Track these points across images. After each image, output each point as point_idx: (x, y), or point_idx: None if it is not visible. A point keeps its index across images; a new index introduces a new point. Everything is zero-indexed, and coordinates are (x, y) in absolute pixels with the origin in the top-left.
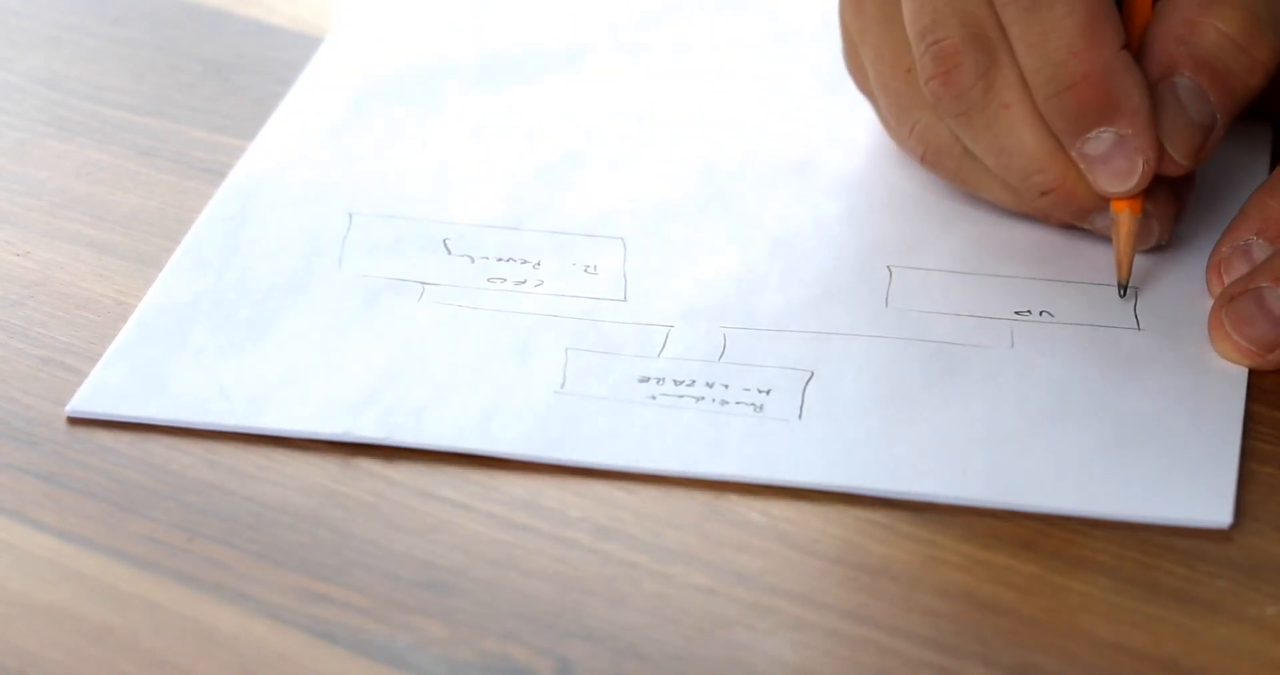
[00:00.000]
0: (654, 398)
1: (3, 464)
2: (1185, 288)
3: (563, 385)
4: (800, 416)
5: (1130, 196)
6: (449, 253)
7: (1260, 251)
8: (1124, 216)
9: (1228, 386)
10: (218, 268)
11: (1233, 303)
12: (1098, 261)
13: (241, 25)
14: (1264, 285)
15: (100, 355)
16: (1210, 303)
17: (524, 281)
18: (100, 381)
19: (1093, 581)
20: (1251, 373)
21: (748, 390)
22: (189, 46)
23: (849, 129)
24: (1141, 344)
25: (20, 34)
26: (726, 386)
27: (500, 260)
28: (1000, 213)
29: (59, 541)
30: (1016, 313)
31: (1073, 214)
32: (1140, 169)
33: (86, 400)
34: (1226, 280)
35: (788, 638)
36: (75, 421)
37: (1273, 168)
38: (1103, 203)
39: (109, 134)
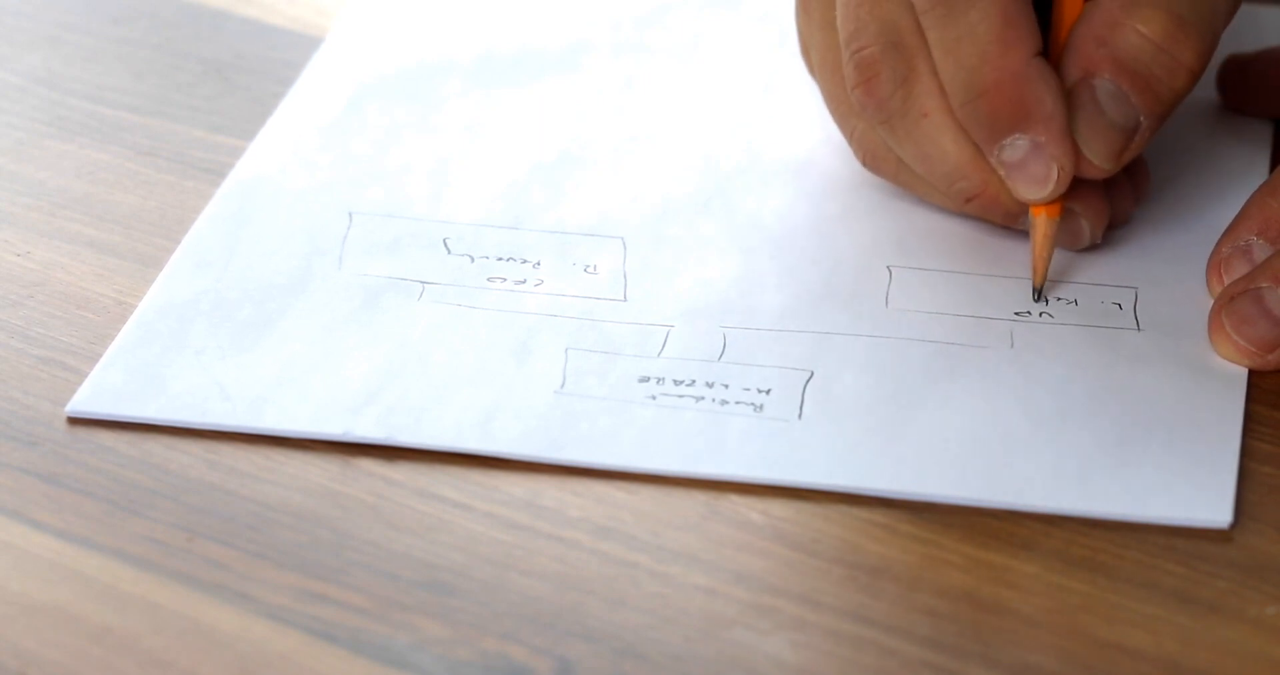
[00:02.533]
0: (654, 398)
1: (3, 464)
2: (1185, 288)
3: (563, 385)
4: (800, 416)
5: (1047, 202)
6: (449, 252)
7: (1261, 252)
8: (1040, 220)
9: (1227, 387)
10: (218, 268)
11: (1233, 303)
12: (1097, 262)
13: (241, 25)
14: (1264, 285)
15: (100, 355)
16: (1210, 303)
17: (524, 281)
18: (100, 382)
19: (1093, 581)
20: (1251, 373)
21: (748, 390)
22: (189, 46)
23: None
24: (1141, 344)
25: (20, 34)
26: (726, 386)
27: (500, 260)
28: None
29: (59, 541)
30: (1016, 313)
31: (1001, 218)
32: (1055, 176)
33: (86, 400)
34: (1227, 280)
35: (788, 638)
36: (75, 421)
37: (1273, 168)
38: (1034, 211)
39: (109, 134)
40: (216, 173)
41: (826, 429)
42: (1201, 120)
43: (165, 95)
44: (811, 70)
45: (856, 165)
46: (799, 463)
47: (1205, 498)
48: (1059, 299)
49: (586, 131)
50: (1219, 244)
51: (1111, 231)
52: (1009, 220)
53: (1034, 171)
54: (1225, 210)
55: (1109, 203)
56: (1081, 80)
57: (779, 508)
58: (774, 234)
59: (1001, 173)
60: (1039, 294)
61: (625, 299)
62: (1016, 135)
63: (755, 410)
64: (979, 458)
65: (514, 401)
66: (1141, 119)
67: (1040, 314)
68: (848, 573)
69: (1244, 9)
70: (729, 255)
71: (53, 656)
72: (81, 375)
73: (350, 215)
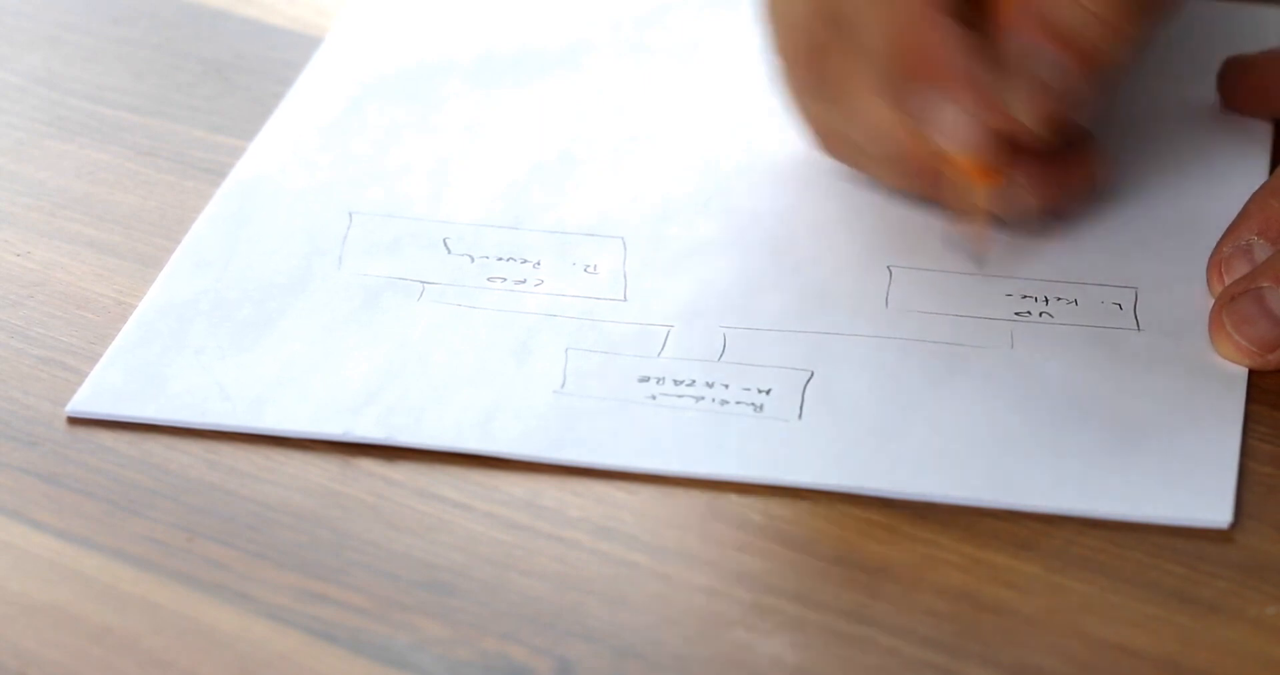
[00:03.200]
0: (654, 397)
1: (3, 464)
2: (1185, 288)
3: (563, 385)
4: (800, 416)
5: (981, 164)
6: (449, 252)
7: (1261, 252)
8: (976, 191)
9: (1227, 387)
10: (218, 267)
11: (1233, 303)
12: (1098, 263)
13: (241, 25)
14: (1265, 285)
15: (100, 355)
16: (1211, 303)
17: (524, 281)
18: (100, 381)
19: (1093, 581)
20: (1251, 373)
21: (747, 390)
22: (189, 46)
23: None
24: (1141, 345)
25: (20, 34)
26: (726, 386)
27: (500, 259)
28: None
29: (59, 541)
30: (1016, 313)
31: (949, 192)
32: (974, 132)
33: (86, 400)
34: (1227, 280)
35: (788, 638)
36: (75, 421)
37: (1273, 167)
38: (969, 177)
39: (109, 134)
40: (216, 173)
41: (826, 429)
42: (1202, 121)
43: (165, 95)
44: (771, 55)
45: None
46: (799, 463)
47: (1205, 498)
48: (1059, 299)
49: (586, 131)
50: (1219, 244)
51: (1070, 218)
52: (957, 199)
53: (953, 131)
54: (1226, 211)
55: (1056, 180)
56: (1013, 44)
57: (779, 507)
58: (774, 234)
59: (936, 139)
60: (980, 262)
61: (625, 299)
62: (934, 96)
63: (755, 410)
64: (978, 458)
65: (514, 401)
66: (1074, 84)
67: (1040, 314)
68: (848, 573)
69: (1244, 9)
70: (729, 255)
71: (53, 656)
72: (81, 375)
73: (350, 215)
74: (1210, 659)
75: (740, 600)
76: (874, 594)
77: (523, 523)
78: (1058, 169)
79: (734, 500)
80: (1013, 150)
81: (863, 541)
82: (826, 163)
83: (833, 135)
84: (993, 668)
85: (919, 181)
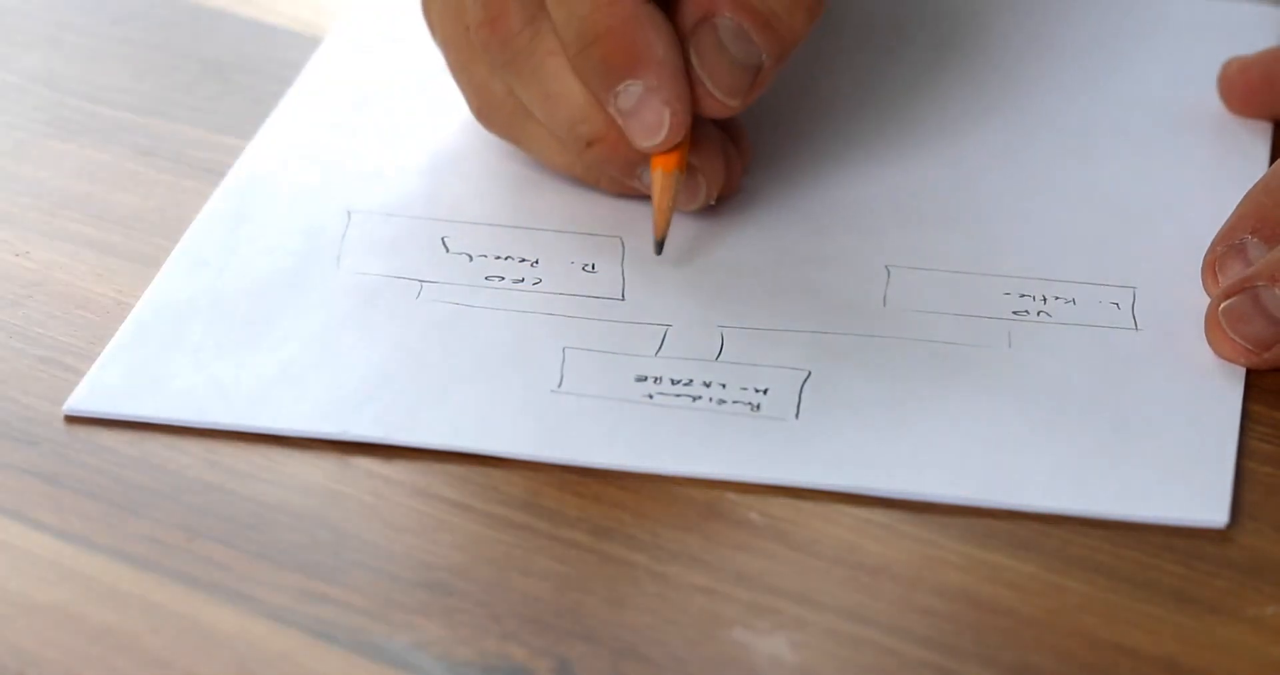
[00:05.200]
0: (651, 397)
1: (2, 464)
2: (1184, 288)
3: (560, 384)
4: (797, 416)
5: (663, 150)
6: (447, 251)
7: (1256, 251)
8: (658, 175)
9: (1225, 387)
10: (216, 266)
11: (1229, 301)
12: (1097, 262)
13: (241, 25)
14: (1260, 284)
15: (100, 355)
16: (1208, 302)
17: (522, 280)
18: (97, 380)
19: (1092, 581)
20: (1251, 373)
21: (745, 390)
22: (189, 46)
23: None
24: (1139, 344)
25: (20, 34)
26: (724, 386)
27: (498, 258)
28: (999, 212)
29: (59, 541)
30: (1014, 313)
31: (620, 168)
32: (668, 122)
33: (84, 399)
34: (1222, 280)
35: (787, 637)
36: (74, 421)
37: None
38: (645, 157)
39: (108, 134)
40: (216, 173)
41: (823, 429)
42: (1202, 122)
43: (165, 95)
44: (430, 20)
45: (856, 163)
46: (795, 462)
47: (1202, 498)
48: (1057, 298)
49: None
50: (1214, 243)
51: (726, 199)
52: (626, 171)
53: (647, 118)
54: (1226, 211)
55: (726, 165)
56: (703, 20)
57: (778, 507)
58: (773, 233)
59: (620, 121)
60: (660, 247)
61: (623, 298)
62: (630, 81)
63: (752, 410)
64: (975, 457)
65: (511, 400)
66: (764, 57)
67: (1038, 313)
68: (847, 572)
69: (1245, 8)
70: (727, 254)
71: (53, 656)
72: (81, 375)
73: (349, 213)
74: (1210, 659)
75: (740, 600)
76: (873, 594)
77: (522, 523)
78: (724, 153)
79: (733, 500)
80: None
81: (862, 541)
82: (825, 161)
83: (498, 105)
84: (992, 668)
85: (591, 152)
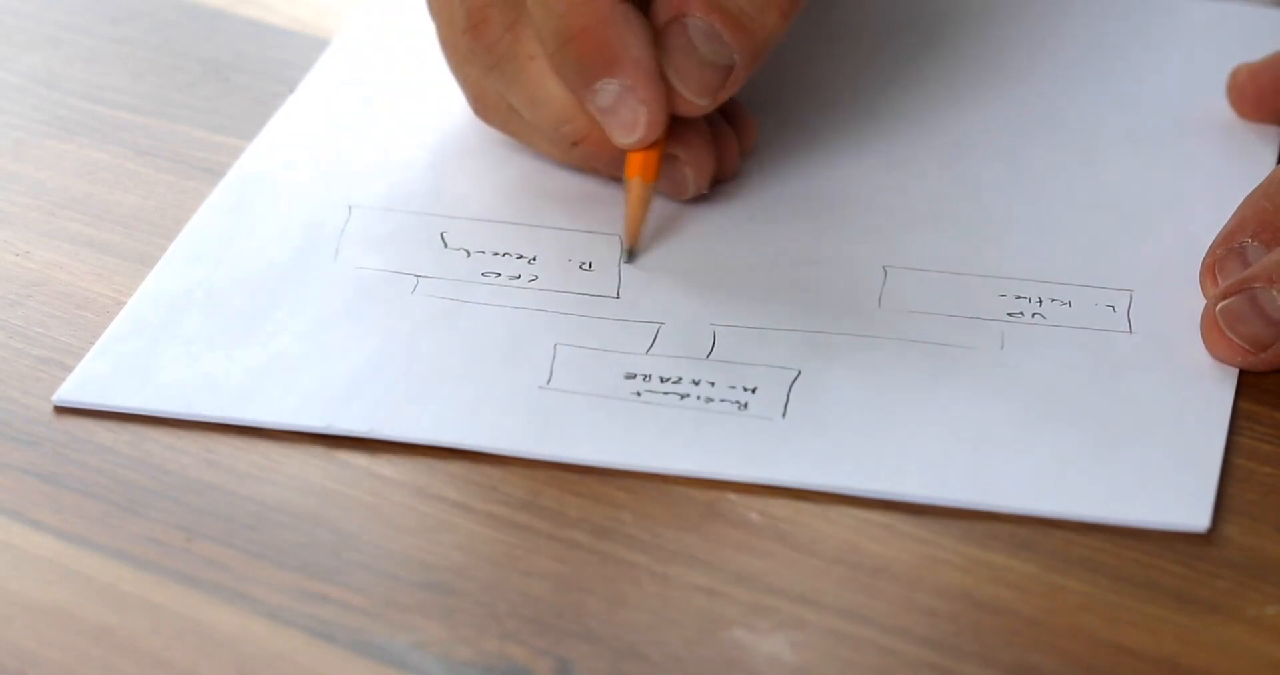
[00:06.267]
0: (638, 394)
1: (2, 464)
2: (1181, 292)
3: (548, 380)
4: (784, 415)
5: (641, 147)
6: (445, 246)
7: (1255, 254)
8: (634, 184)
9: (1215, 391)
10: (213, 258)
11: (1227, 302)
12: (1094, 265)
13: (241, 25)
14: (1258, 286)
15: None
16: (1202, 307)
17: (518, 277)
18: (88, 371)
19: (1092, 581)
20: (1249, 374)
21: (733, 388)
22: (189, 46)
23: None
24: (1132, 347)
25: (20, 34)
26: (713, 384)
27: (496, 255)
28: (1000, 213)
29: (59, 541)
30: (1009, 315)
31: (607, 164)
32: (644, 119)
33: (73, 390)
34: (1221, 282)
35: (787, 637)
36: (75, 421)
37: None
38: (633, 167)
39: (108, 134)
40: (216, 173)
41: (809, 428)
42: (1208, 125)
43: (165, 95)
44: (432, 21)
45: (856, 162)
46: (779, 461)
47: (1185, 501)
48: (1052, 300)
49: None
50: (1213, 246)
51: (720, 185)
52: (613, 169)
53: (624, 116)
54: (1227, 216)
55: (714, 154)
56: (674, 20)
57: (778, 508)
58: (771, 232)
59: (598, 118)
60: (630, 255)
61: (618, 296)
62: (606, 80)
63: (739, 408)
64: (959, 459)
65: (499, 396)
66: (735, 57)
67: (1033, 315)
68: (847, 573)
69: (1256, 13)
70: (725, 253)
71: (53, 656)
72: None
73: (350, 208)
74: (1210, 659)
75: (740, 600)
76: (873, 594)
77: (523, 522)
78: (717, 148)
79: (733, 500)
80: (673, 125)
81: (862, 541)
82: (825, 161)
83: (491, 101)
84: (992, 668)
85: (577, 152)
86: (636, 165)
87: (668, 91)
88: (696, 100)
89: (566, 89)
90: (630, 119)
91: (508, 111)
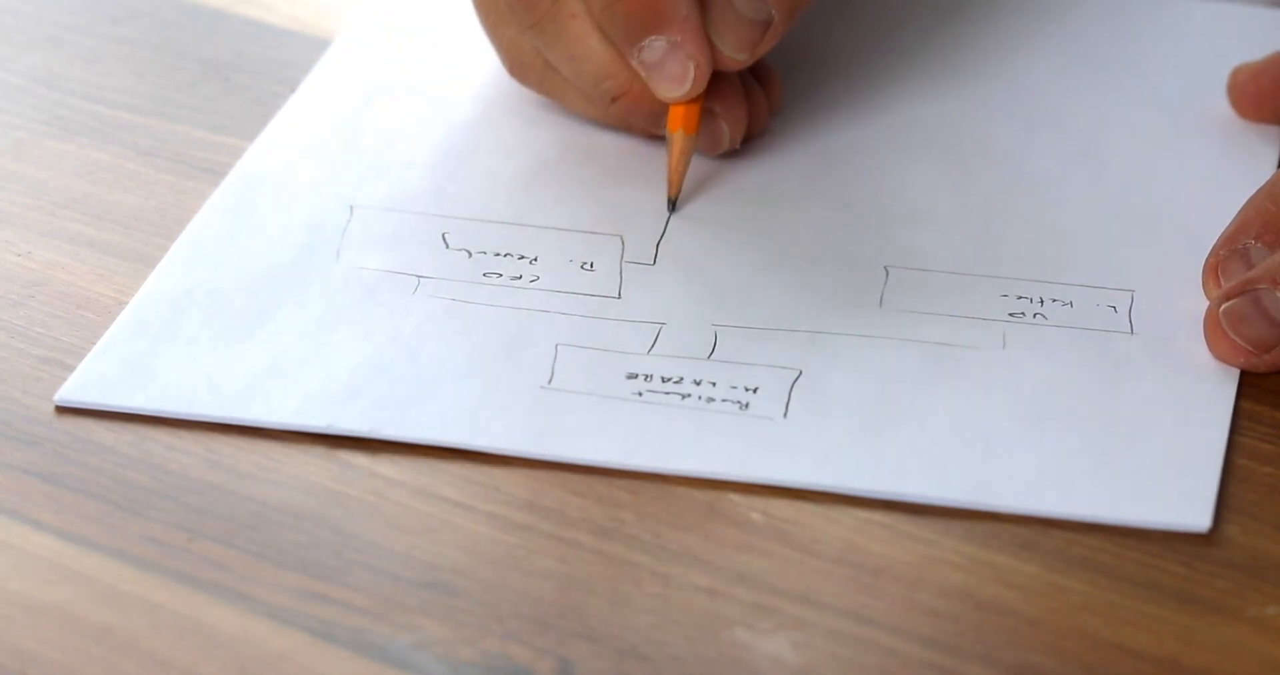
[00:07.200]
0: (640, 394)
1: (3, 464)
2: (1183, 293)
3: (550, 381)
4: (785, 415)
5: (687, 100)
6: (447, 246)
7: (1258, 255)
8: (677, 137)
9: (1216, 392)
10: (214, 259)
11: (1230, 303)
12: (1096, 266)
13: (241, 25)
14: (1262, 287)
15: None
16: (1205, 308)
17: (519, 277)
18: (89, 371)
19: (1094, 582)
20: (1251, 375)
21: (734, 388)
22: (189, 46)
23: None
24: (1133, 348)
25: (20, 34)
26: (714, 384)
27: (498, 255)
28: (1002, 213)
29: (59, 541)
30: (1011, 314)
31: (644, 119)
32: (692, 73)
33: (74, 390)
34: (1224, 283)
35: (788, 638)
36: (75, 420)
37: None
38: (676, 120)
39: (108, 134)
40: (216, 173)
41: (811, 428)
42: (1210, 126)
43: (165, 95)
44: None
45: (858, 162)
46: (779, 461)
47: (1186, 501)
48: (1054, 300)
49: (588, 129)
50: (1216, 247)
51: (751, 141)
52: (651, 122)
53: (672, 70)
54: (1229, 216)
55: (747, 110)
56: None
57: (780, 508)
58: (772, 231)
59: (643, 74)
60: (673, 205)
61: (620, 296)
62: (654, 36)
63: (740, 408)
64: (960, 459)
65: (500, 396)
66: (773, 12)
67: (1035, 315)
68: (848, 573)
69: (1256, 13)
70: (726, 253)
71: (53, 656)
72: None
73: (351, 208)
74: (1210, 659)
75: (740, 600)
76: (874, 594)
77: (524, 523)
78: (746, 99)
79: (735, 500)
80: (710, 81)
81: (863, 541)
82: (824, 161)
83: (528, 60)
84: (993, 668)
85: (616, 107)
86: (679, 118)
87: (713, 50)
88: (735, 55)
89: (612, 46)
90: (678, 73)
91: (544, 70)
